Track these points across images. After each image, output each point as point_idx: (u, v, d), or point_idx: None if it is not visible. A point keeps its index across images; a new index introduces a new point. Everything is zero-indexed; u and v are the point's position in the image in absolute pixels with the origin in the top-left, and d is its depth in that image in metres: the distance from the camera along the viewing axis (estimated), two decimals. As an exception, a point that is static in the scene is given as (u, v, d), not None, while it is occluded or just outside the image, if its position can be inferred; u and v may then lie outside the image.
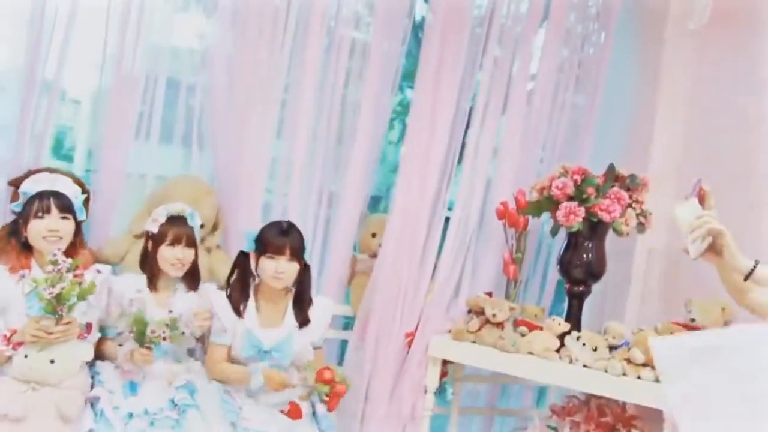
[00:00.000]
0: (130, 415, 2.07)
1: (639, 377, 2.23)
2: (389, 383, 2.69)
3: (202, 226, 2.59)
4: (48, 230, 2.05)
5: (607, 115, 3.02)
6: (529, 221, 2.67)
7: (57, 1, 2.55)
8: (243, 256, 2.33)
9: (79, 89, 3.18)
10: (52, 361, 1.97)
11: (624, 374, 2.25)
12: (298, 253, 2.26)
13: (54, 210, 2.06)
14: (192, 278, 2.33)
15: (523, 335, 2.48)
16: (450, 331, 2.59)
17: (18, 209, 2.11)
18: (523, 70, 2.91)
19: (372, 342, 2.70)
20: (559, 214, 2.43)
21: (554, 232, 2.56)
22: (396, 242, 2.72)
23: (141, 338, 2.09)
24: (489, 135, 2.81)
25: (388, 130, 3.14)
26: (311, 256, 2.78)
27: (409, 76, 3.01)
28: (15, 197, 2.51)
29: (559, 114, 2.99)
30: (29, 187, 2.10)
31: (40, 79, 2.60)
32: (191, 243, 2.26)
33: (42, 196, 2.07)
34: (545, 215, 2.67)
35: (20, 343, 1.98)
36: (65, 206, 2.09)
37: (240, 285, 2.31)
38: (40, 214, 2.05)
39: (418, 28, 3.04)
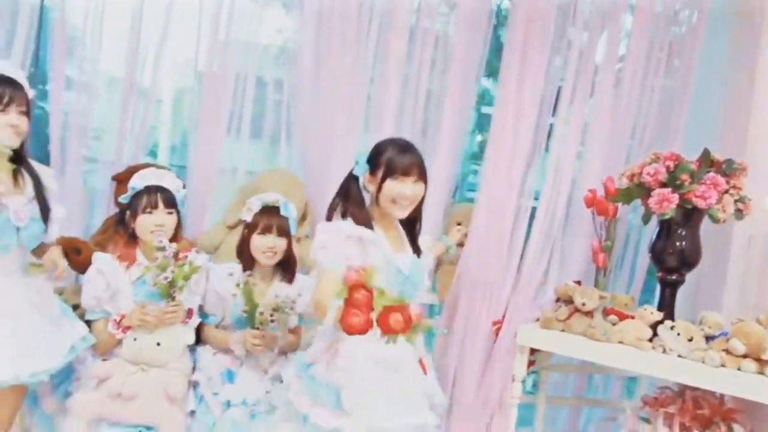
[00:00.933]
0: (228, 404, 2.17)
1: (739, 369, 2.16)
2: (477, 371, 2.71)
3: (296, 216, 2.69)
4: (155, 225, 2.17)
5: (700, 98, 2.91)
6: (618, 208, 2.61)
7: (153, 5, 2.71)
8: (353, 180, 2.04)
9: (160, 88, 3.32)
10: (158, 344, 2.09)
11: (723, 365, 2.18)
12: (424, 174, 2.01)
13: (161, 205, 2.19)
14: (285, 269, 2.39)
15: (613, 324, 2.44)
16: (538, 320, 2.57)
17: (125, 201, 2.23)
18: (610, 53, 2.84)
19: (460, 330, 2.72)
20: (652, 201, 2.37)
21: (646, 219, 2.50)
22: (483, 231, 2.73)
23: (252, 320, 2.19)
24: (576, 122, 2.77)
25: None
26: None
27: (486, 65, 2.99)
28: (118, 192, 2.67)
29: (649, 98, 2.90)
30: (137, 182, 2.22)
31: (137, 83, 2.76)
32: (283, 232, 2.33)
33: (149, 191, 2.19)
34: (635, 202, 2.61)
35: (129, 327, 2.12)
36: (170, 201, 2.21)
37: (359, 208, 2.01)
38: (148, 210, 2.18)
39: (499, 16, 3.01)
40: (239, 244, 2.38)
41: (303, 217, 2.79)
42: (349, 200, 2.02)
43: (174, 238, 2.26)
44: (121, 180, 2.67)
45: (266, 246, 2.30)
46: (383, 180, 1.96)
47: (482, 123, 3.37)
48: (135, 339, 2.10)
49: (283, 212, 2.35)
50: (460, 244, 2.82)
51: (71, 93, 2.78)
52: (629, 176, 2.52)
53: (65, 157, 2.77)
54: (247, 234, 2.34)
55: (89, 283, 2.17)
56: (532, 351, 2.62)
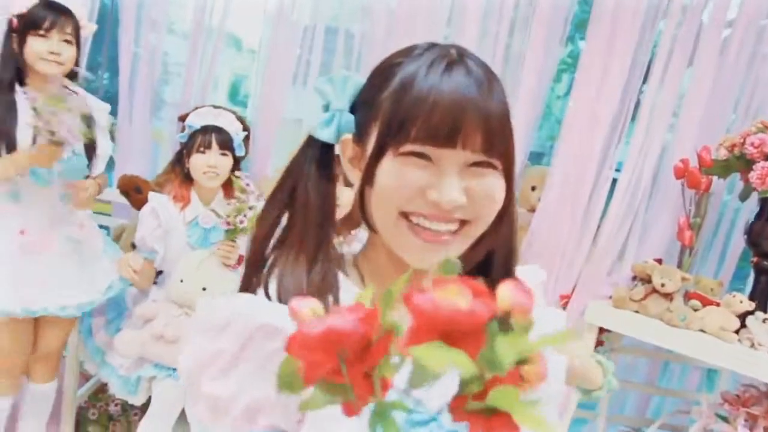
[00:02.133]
0: None
1: (840, 372, 1.90)
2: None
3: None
4: (207, 165, 2.11)
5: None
6: (712, 182, 2.34)
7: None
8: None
9: (254, 39, 3.26)
10: (204, 289, 2.04)
11: (821, 366, 1.93)
12: None
13: (214, 145, 2.12)
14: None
15: (695, 309, 2.20)
16: (610, 298, 2.37)
17: (183, 140, 2.18)
18: (717, 15, 2.51)
19: (523, 301, 2.55)
20: (753, 175, 2.10)
21: (744, 196, 2.23)
22: (557, 197, 2.52)
23: None
24: (670, 92, 2.47)
25: (556, 83, 2.91)
26: None
27: (582, 26, 2.74)
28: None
29: (759, 68, 2.57)
30: (194, 120, 2.16)
31: (206, 25, 2.70)
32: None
33: (205, 130, 2.12)
34: (733, 176, 2.33)
35: None
36: (225, 142, 2.14)
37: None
38: (201, 149, 2.11)
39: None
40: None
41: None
42: None
43: (229, 182, 2.20)
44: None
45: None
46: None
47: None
48: (181, 281, 2.06)
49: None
50: (533, 209, 2.64)
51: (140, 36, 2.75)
52: (729, 147, 2.24)
53: (133, 98, 2.75)
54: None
55: (142, 222, 2.15)
56: (601, 330, 2.42)
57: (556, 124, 3.39)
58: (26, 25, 1.84)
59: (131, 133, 2.77)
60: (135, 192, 2.48)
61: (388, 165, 0.75)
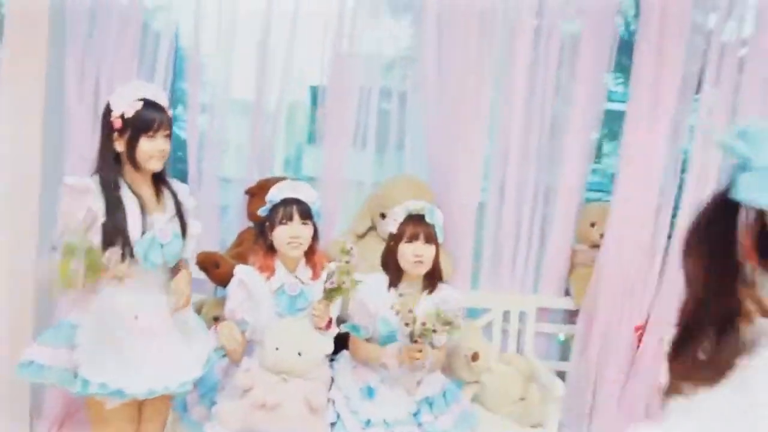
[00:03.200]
0: (368, 422, 2.15)
1: None
2: (619, 381, 2.56)
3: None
4: (290, 236, 2.18)
5: None
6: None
7: (279, 26, 2.80)
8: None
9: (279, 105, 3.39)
10: (299, 354, 2.12)
11: None
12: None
13: (296, 216, 2.18)
14: (432, 277, 2.31)
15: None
16: (687, 325, 2.38)
17: (264, 214, 2.27)
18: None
19: (598, 337, 2.59)
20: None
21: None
22: (620, 232, 2.59)
23: (410, 334, 2.11)
24: (721, 110, 2.53)
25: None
26: (529, 252, 2.77)
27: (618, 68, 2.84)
28: (251, 205, 2.75)
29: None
30: (274, 194, 2.23)
31: (264, 102, 2.84)
32: (430, 239, 2.26)
33: (286, 203, 2.20)
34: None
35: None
36: (306, 212, 2.21)
37: None
38: (284, 221, 2.18)
39: (629, 18, 2.85)
40: (384, 255, 2.34)
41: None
42: None
43: (311, 249, 2.28)
44: (254, 193, 2.75)
45: (414, 254, 2.24)
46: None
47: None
48: (277, 348, 2.13)
49: (428, 219, 2.29)
50: (595, 246, 2.69)
51: (204, 116, 2.91)
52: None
53: (201, 177, 2.88)
54: (393, 245, 2.29)
55: (231, 294, 2.22)
56: (682, 358, 2.43)
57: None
58: (138, 129, 1.94)
59: (200, 210, 2.89)
60: (214, 267, 2.58)
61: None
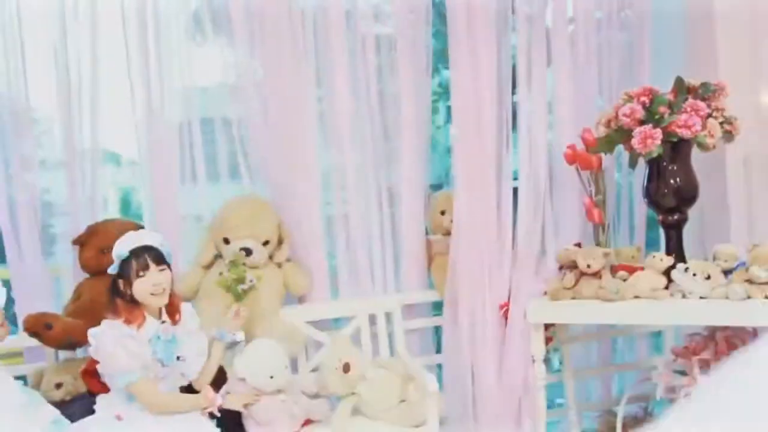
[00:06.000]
0: None
1: (766, 297, 2.01)
2: (494, 360, 2.56)
3: (266, 243, 2.54)
4: (152, 285, 2.08)
5: (661, 37, 2.78)
6: (602, 160, 2.47)
7: (79, 71, 2.59)
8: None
9: (131, 150, 3.16)
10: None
11: (748, 297, 2.04)
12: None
13: (152, 265, 2.08)
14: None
15: (624, 280, 2.29)
16: (546, 293, 2.42)
17: (115, 271, 2.12)
18: (558, 16, 2.70)
19: (466, 322, 2.57)
20: (634, 142, 2.23)
21: (633, 163, 2.36)
22: (467, 218, 2.59)
23: None
24: (539, 92, 2.63)
25: (433, 114, 3.01)
26: (384, 253, 2.75)
27: (442, 55, 2.87)
28: (83, 254, 2.52)
29: (607, 51, 2.76)
30: (121, 249, 2.11)
31: (80, 150, 2.62)
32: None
33: (136, 254, 2.09)
34: (618, 149, 2.48)
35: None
36: (159, 258, 2.11)
37: None
38: (141, 273, 2.07)
39: (439, 5, 2.88)
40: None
41: (280, 241, 2.64)
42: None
43: (172, 292, 2.17)
44: (83, 242, 2.54)
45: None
46: None
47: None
48: (272, 377, 2.29)
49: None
50: (448, 233, 2.68)
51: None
52: (606, 123, 2.39)
53: (19, 238, 2.60)
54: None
55: (112, 356, 2.04)
56: (547, 327, 2.47)
57: (446, 153, 3.49)
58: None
59: (25, 274, 2.61)
60: (45, 329, 2.33)
61: None
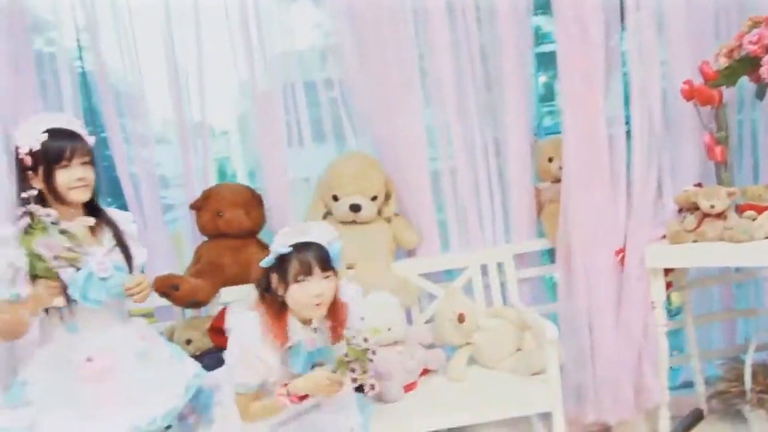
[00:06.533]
0: None
1: None
2: (611, 307, 2.50)
3: (374, 198, 2.56)
4: (314, 296, 1.81)
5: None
6: (723, 94, 2.32)
7: (185, 49, 2.68)
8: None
9: (223, 120, 3.25)
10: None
11: None
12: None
13: (316, 269, 1.81)
14: None
15: (753, 219, 2.16)
16: (664, 237, 2.33)
17: (268, 265, 1.86)
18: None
19: (581, 269, 2.51)
20: (763, 71, 2.08)
21: (761, 94, 2.21)
22: (577, 163, 2.50)
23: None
24: (648, 27, 2.45)
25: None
26: (493, 203, 2.72)
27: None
28: (199, 219, 2.63)
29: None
30: (281, 242, 1.84)
31: (189, 122, 2.72)
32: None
33: (300, 253, 1.81)
34: (741, 81, 2.32)
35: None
36: (326, 262, 1.82)
37: None
38: (301, 278, 1.80)
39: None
40: None
41: (387, 196, 2.66)
42: None
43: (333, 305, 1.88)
44: (199, 207, 2.66)
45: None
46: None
47: (544, 63, 3.15)
48: None
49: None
50: (558, 180, 2.61)
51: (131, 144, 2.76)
52: (727, 53, 2.24)
53: (142, 205, 2.74)
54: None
55: (246, 368, 1.84)
56: (666, 272, 2.38)
57: (537, 102, 3.38)
58: (48, 161, 1.80)
59: (149, 239, 2.76)
60: (173, 290, 2.46)
61: None
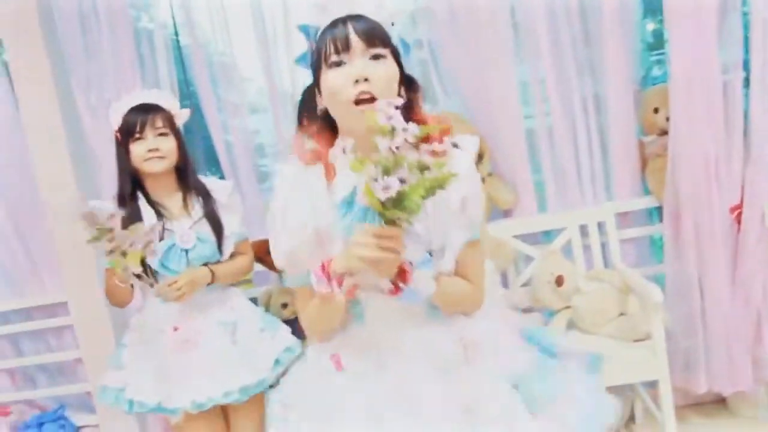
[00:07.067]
0: None
1: None
2: (725, 269, 2.31)
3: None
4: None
5: None
6: None
7: (273, 20, 2.68)
8: None
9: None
10: None
11: None
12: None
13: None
14: None
15: None
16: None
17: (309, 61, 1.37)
18: None
19: (691, 228, 2.33)
20: None
21: None
22: (686, 113, 2.30)
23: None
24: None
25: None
26: (592, 160, 2.57)
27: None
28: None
29: None
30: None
31: (280, 91, 2.73)
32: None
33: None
34: None
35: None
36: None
37: None
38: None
39: None
40: None
41: (480, 155, 2.57)
42: None
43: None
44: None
45: None
46: None
47: (652, 10, 2.91)
48: None
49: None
50: (665, 132, 2.42)
51: (226, 113, 2.81)
52: None
53: (238, 174, 2.80)
54: None
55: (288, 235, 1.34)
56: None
57: (644, 50, 3.14)
58: (124, 135, 1.90)
59: (246, 207, 2.81)
60: (267, 254, 2.50)
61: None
